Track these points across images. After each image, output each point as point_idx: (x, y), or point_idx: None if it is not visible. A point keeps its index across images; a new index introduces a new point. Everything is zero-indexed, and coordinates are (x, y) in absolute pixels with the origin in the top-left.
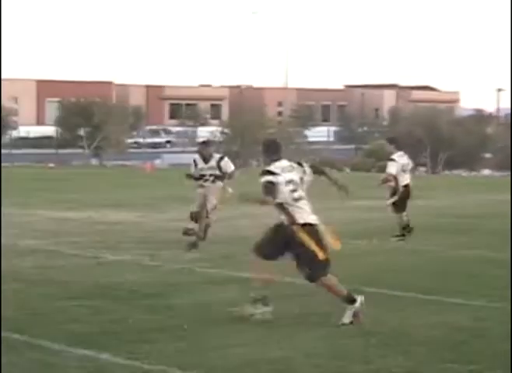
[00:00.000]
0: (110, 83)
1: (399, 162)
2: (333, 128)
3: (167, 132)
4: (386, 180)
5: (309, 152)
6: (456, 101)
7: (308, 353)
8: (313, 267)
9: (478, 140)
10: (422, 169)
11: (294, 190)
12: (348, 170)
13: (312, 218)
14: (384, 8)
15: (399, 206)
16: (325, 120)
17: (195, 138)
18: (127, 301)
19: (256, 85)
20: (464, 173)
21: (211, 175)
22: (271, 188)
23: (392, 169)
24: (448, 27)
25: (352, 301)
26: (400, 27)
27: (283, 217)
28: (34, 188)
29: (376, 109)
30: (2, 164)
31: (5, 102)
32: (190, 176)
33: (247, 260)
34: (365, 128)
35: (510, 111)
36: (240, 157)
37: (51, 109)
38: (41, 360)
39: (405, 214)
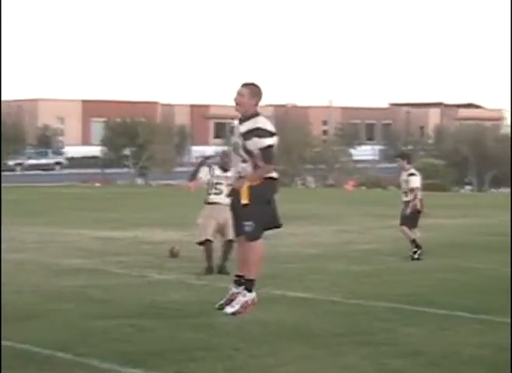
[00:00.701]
0: (155, 103)
1: (419, 176)
2: (378, 147)
3: (57, 153)
4: (415, 196)
5: (354, 171)
6: (501, 118)
7: (354, 371)
8: None
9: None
10: (469, 187)
11: None
12: (393, 188)
13: None
14: (429, 25)
15: (413, 220)
16: (370, 138)
17: None
18: (172, 320)
19: (301, 103)
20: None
21: (228, 185)
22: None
23: (417, 182)
24: (494, 45)
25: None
26: (445, 45)
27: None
28: (79, 208)
29: (422, 128)
30: (50, 183)
31: (52, 123)
32: (194, 177)
33: (291, 279)
34: (410, 147)
35: None
36: (285, 176)
37: (97, 129)
38: None
39: (416, 230)
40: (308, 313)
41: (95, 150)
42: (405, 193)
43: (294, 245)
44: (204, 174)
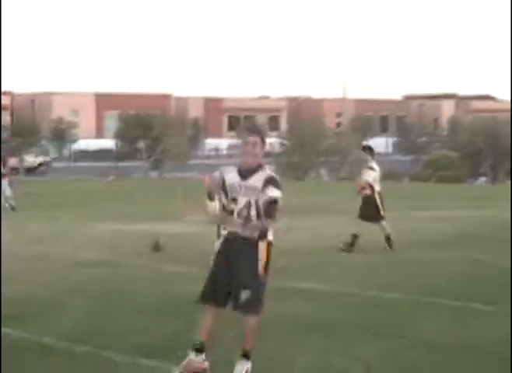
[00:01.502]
0: (169, 96)
1: (377, 171)
2: (392, 139)
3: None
4: (362, 189)
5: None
6: None
7: (370, 364)
8: None
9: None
10: (483, 178)
11: None
12: (407, 181)
13: None
14: (442, 17)
15: (370, 214)
16: (384, 130)
17: None
18: (190, 312)
19: (314, 96)
20: None
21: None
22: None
23: (369, 177)
24: (507, 36)
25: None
26: (459, 36)
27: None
28: (94, 201)
29: (436, 120)
30: (62, 177)
31: (66, 116)
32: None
33: (306, 271)
34: (424, 139)
35: None
36: (299, 168)
37: (111, 122)
38: (106, 371)
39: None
40: (324, 305)
41: (109, 143)
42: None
43: (308, 238)
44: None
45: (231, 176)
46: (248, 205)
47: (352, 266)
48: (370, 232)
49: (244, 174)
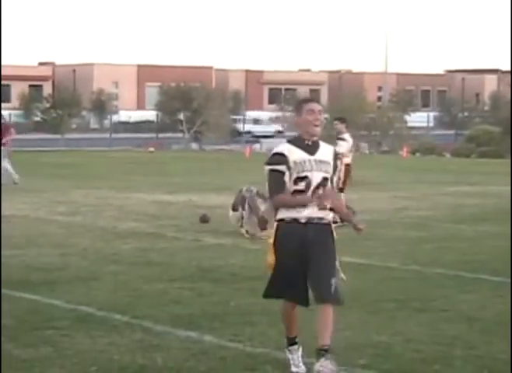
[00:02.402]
0: (209, 68)
1: (349, 142)
2: (433, 113)
3: None
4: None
5: (408, 137)
6: None
7: (409, 338)
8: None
9: None
10: None
11: None
12: (448, 156)
13: None
14: None
15: (342, 187)
16: (425, 105)
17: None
18: (228, 283)
19: (355, 69)
20: None
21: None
22: None
23: (342, 148)
24: None
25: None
26: (501, 10)
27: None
28: (134, 172)
29: (477, 94)
30: (102, 148)
31: (107, 87)
32: None
33: (347, 244)
34: (465, 113)
35: None
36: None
37: (151, 94)
38: (144, 340)
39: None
40: (364, 279)
41: (150, 114)
42: None
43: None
44: None
45: (295, 153)
46: (324, 182)
47: (392, 240)
48: (416, 206)
49: (308, 148)
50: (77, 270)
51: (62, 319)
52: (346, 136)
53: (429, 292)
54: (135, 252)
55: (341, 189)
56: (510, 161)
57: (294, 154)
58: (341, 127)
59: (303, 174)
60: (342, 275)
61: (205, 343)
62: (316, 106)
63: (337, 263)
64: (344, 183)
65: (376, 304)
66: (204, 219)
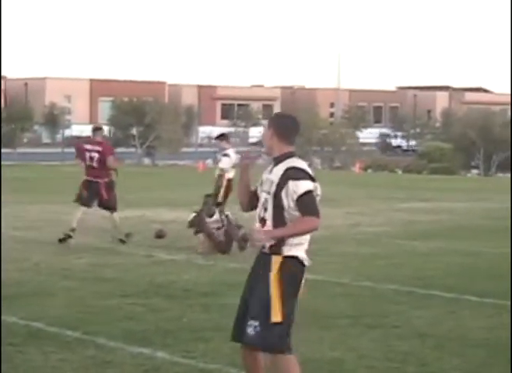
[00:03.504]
0: (163, 83)
1: (232, 158)
2: (385, 130)
3: None
4: (219, 176)
5: (361, 153)
6: (509, 103)
7: (362, 354)
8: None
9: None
10: (475, 171)
11: None
12: (399, 172)
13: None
14: (437, 9)
15: (222, 202)
16: (377, 121)
17: (247, 139)
18: (181, 299)
19: (308, 85)
20: None
21: None
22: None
23: (224, 164)
24: (502, 29)
25: None
26: (454, 28)
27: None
28: None
29: (429, 111)
30: (54, 162)
31: (59, 101)
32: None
33: None
34: (417, 130)
35: None
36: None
37: (104, 108)
38: (97, 357)
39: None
40: (317, 295)
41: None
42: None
43: None
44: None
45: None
46: (263, 204)
47: (345, 256)
48: (369, 222)
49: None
50: (31, 285)
51: (16, 335)
52: (230, 151)
53: (381, 308)
54: (88, 267)
55: (219, 204)
56: (461, 177)
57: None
58: (223, 144)
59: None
60: (275, 319)
61: (157, 360)
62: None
63: (272, 303)
64: (224, 197)
65: (329, 320)
66: (160, 234)
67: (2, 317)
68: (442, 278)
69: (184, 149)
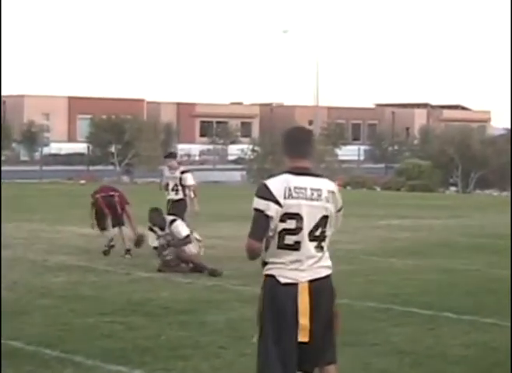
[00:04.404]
0: (141, 100)
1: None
2: (363, 147)
3: None
4: (195, 192)
5: (339, 170)
6: (487, 120)
7: (340, 372)
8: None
9: (510, 159)
10: (454, 188)
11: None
12: (378, 189)
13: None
14: (414, 27)
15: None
16: (356, 138)
17: (226, 156)
18: (159, 317)
19: (287, 103)
20: (495, 193)
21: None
22: None
23: (192, 180)
24: (479, 47)
25: None
26: (431, 46)
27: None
28: (65, 204)
29: (407, 128)
30: (32, 180)
31: (37, 119)
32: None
33: None
34: (395, 147)
35: None
36: (271, 175)
37: (83, 126)
38: None
39: None
40: None
41: (81, 147)
42: (176, 191)
43: None
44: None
45: None
46: None
47: None
48: (346, 240)
49: None
50: (7, 303)
51: None
52: (185, 168)
53: (360, 326)
54: (65, 285)
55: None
56: (439, 194)
57: None
58: (172, 163)
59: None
60: (255, 339)
61: None
62: None
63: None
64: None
65: None
66: (140, 240)
67: None
68: (420, 295)
69: (163, 166)
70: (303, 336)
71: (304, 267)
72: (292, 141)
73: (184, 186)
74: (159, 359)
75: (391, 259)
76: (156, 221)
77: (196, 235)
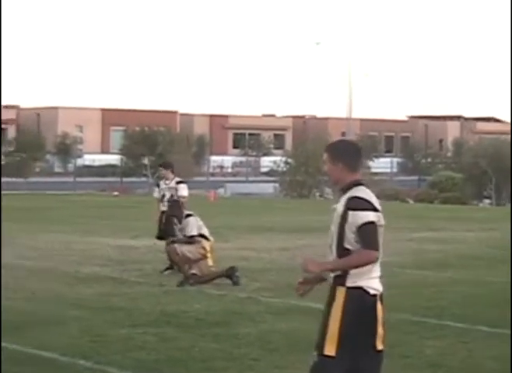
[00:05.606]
0: (174, 112)
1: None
2: (396, 159)
3: None
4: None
5: (372, 183)
6: None
7: None
8: None
9: None
10: (487, 200)
11: None
12: (411, 201)
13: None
14: (448, 39)
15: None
16: (388, 150)
17: (258, 168)
18: (192, 329)
19: (319, 115)
20: None
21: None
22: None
23: (186, 191)
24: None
25: None
26: (465, 58)
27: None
28: (98, 216)
29: (441, 141)
30: (66, 192)
31: (71, 131)
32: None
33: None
34: (428, 159)
35: None
36: (304, 187)
37: (116, 138)
38: None
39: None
40: None
41: (114, 158)
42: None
43: (313, 256)
44: None
45: None
46: (331, 234)
47: None
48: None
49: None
50: (41, 314)
51: (26, 365)
52: (180, 179)
53: (392, 338)
54: (98, 297)
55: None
56: (472, 207)
57: None
58: (166, 172)
59: None
60: (328, 352)
61: None
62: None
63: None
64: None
65: None
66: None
67: (13, 347)
68: (453, 308)
69: (196, 178)
70: (380, 344)
71: (378, 276)
72: (354, 154)
73: (179, 197)
74: (191, 371)
75: (425, 271)
76: (176, 212)
77: (207, 235)
